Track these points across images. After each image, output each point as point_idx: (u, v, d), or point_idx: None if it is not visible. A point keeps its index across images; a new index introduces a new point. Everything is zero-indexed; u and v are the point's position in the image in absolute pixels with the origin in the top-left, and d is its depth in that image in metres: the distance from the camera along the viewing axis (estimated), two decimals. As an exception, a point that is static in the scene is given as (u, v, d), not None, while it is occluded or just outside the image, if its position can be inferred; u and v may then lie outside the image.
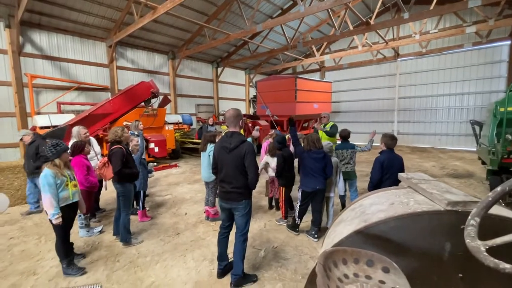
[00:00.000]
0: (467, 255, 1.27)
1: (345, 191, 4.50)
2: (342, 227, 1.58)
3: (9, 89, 8.04)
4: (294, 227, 3.96)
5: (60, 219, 2.80)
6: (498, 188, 0.98)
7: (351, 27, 10.16)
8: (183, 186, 6.71)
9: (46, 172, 2.78)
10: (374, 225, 1.38)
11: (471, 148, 11.63)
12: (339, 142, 4.96)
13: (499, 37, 11.16)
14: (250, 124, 10.66)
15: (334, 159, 4.08)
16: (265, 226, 4.26)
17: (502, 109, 4.54)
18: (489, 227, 0.89)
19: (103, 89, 10.30)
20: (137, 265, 3.19)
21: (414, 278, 1.22)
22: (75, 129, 4.51)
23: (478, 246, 0.82)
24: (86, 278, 2.95)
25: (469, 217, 0.98)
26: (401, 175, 1.78)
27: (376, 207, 1.52)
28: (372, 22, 8.72)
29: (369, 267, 1.13)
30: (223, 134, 3.27)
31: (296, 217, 3.89)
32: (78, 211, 3.25)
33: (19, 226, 4.43)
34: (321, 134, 5.67)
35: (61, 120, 7.63)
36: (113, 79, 10.48)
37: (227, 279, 2.83)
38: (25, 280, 2.94)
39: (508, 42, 11.08)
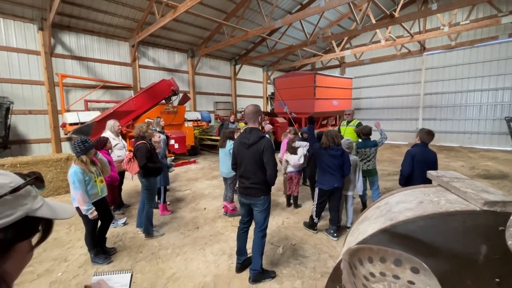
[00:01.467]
0: (505, 259, 1.19)
1: (365, 190, 4.37)
2: (366, 225, 1.53)
3: (42, 88, 8.58)
4: (312, 225, 3.90)
5: (96, 213, 2.95)
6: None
7: (373, 21, 9.79)
8: (202, 182, 6.84)
9: (75, 168, 2.90)
10: (401, 224, 1.32)
11: (505, 147, 10.86)
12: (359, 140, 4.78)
13: (540, 27, 10.26)
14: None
15: (353, 157, 3.97)
16: (283, 223, 4.24)
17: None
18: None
19: (126, 87, 10.70)
20: (159, 257, 3.30)
21: (445, 281, 1.15)
22: (110, 122, 4.74)
23: (523, 248, 0.76)
24: (112, 267, 3.10)
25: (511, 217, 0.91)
26: (430, 173, 1.69)
27: (403, 205, 1.46)
28: (396, 14, 8.34)
29: (397, 266, 1.08)
30: (241, 131, 3.29)
31: (314, 216, 3.83)
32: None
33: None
34: (344, 130, 5.55)
35: (88, 117, 8.06)
36: (136, 77, 10.86)
37: (246, 273, 2.86)
38: (58, 266, 3.15)
39: (550, 32, 10.16)
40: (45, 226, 0.60)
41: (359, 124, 5.36)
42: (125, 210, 4.95)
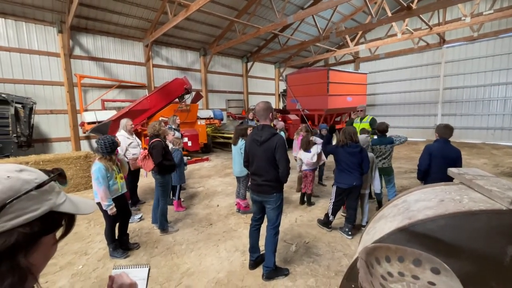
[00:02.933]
0: (535, 261, 1.12)
1: (381, 188, 4.26)
2: (382, 223, 1.49)
3: (62, 88, 8.93)
4: (326, 223, 3.86)
5: (115, 210, 3.07)
6: None
7: (389, 13, 9.45)
8: (215, 179, 6.90)
9: (99, 165, 3.02)
10: (420, 223, 1.27)
11: (532, 143, 10.27)
12: (375, 137, 4.65)
13: None
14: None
15: (370, 155, 3.87)
16: (296, 221, 4.21)
17: None
18: None
19: (141, 86, 10.95)
20: (174, 252, 3.37)
21: (468, 283, 1.10)
22: (123, 121, 4.87)
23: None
24: (129, 261, 3.20)
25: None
26: (451, 170, 1.62)
27: (422, 203, 1.40)
28: (414, 6, 8.02)
29: (416, 266, 1.05)
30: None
31: (330, 214, 3.78)
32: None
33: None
34: (358, 127, 5.43)
35: (105, 116, 8.31)
36: (150, 76, 11.09)
37: (259, 270, 2.86)
38: (79, 259, 3.28)
39: None
40: (68, 220, 0.62)
41: (373, 120, 5.22)
42: (141, 206, 5.08)
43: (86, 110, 9.10)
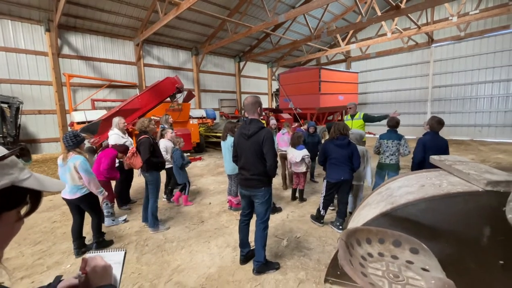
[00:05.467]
0: (510, 240, 1.15)
1: (372, 182, 4.28)
2: (367, 210, 1.51)
3: (50, 88, 8.76)
4: (318, 218, 3.88)
5: (106, 192, 3.18)
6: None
7: (379, 13, 9.59)
8: (207, 178, 6.88)
9: (81, 157, 2.99)
10: (402, 207, 1.30)
11: (517, 140, 10.56)
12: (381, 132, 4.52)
13: (554, 14, 9.88)
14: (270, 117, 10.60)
15: (361, 148, 3.88)
16: (287, 216, 4.23)
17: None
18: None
19: (132, 86, 10.83)
20: (164, 249, 3.34)
21: (447, 264, 1.13)
22: (115, 119, 4.81)
23: (523, 221, 0.73)
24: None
25: (513, 192, 0.88)
26: (433, 157, 1.66)
27: (404, 189, 1.43)
28: (403, 5, 8.17)
29: (396, 247, 1.07)
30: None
31: (321, 208, 3.81)
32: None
33: (61, 211, 4.84)
34: (350, 124, 5.48)
35: (95, 115, 8.18)
36: (141, 76, 10.98)
37: (250, 265, 2.86)
38: (66, 258, 3.22)
39: None
40: (33, 198, 0.60)
41: (365, 116, 5.27)
42: (132, 205, 5.02)
43: (75, 110, 8.95)
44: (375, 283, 0.86)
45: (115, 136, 4.57)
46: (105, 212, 4.08)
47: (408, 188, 1.42)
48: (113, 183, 4.58)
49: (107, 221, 4.12)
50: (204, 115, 11.48)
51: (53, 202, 5.33)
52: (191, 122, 9.96)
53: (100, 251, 0.86)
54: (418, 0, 12.01)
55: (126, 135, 4.93)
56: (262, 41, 14.16)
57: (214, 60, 14.14)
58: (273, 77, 16.67)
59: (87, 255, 0.81)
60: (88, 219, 3.33)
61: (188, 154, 6.53)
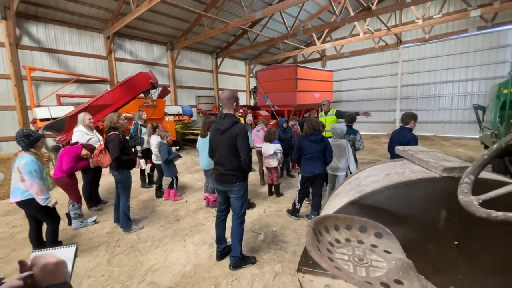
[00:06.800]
0: (463, 222, 1.25)
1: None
2: (337, 200, 1.56)
3: (8, 82, 8.03)
4: (294, 212, 3.96)
5: (54, 201, 2.84)
6: (494, 146, 0.95)
7: (352, 13, 9.93)
8: (184, 176, 6.72)
9: (30, 157, 2.71)
10: (369, 195, 1.35)
11: (474, 135, 11.50)
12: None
13: (505, 21, 10.84)
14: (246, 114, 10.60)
15: (341, 141, 3.99)
16: (264, 211, 4.26)
17: (505, 91, 4.45)
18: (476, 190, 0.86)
19: (102, 81, 10.26)
20: (138, 250, 3.22)
21: (410, 247, 1.19)
22: (80, 115, 4.53)
23: (471, 200, 0.79)
24: (88, 262, 2.99)
25: (464, 176, 0.95)
26: (398, 148, 1.75)
27: (371, 178, 1.49)
28: (374, 7, 8.52)
29: (362, 232, 1.11)
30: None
31: (296, 202, 3.89)
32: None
33: (22, 215, 4.45)
34: (324, 120, 5.62)
35: (61, 112, 7.66)
36: (112, 71, 10.42)
37: (226, 261, 2.85)
38: (28, 264, 2.98)
39: (514, 26, 10.79)
40: None
41: (338, 112, 5.45)
42: (103, 206, 4.77)
43: (38, 106, 8.29)
44: (341, 267, 0.89)
45: (78, 133, 4.32)
46: (71, 214, 3.83)
47: (374, 177, 1.48)
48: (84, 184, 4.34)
49: (74, 223, 3.88)
50: (181, 112, 11.20)
51: (13, 205, 4.88)
52: (166, 119, 9.68)
53: (48, 249, 0.80)
54: (388, 3, 12.61)
55: (94, 132, 4.67)
56: (239, 38, 14.07)
57: (191, 56, 13.80)
58: (251, 74, 16.65)
59: (33, 254, 0.74)
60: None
61: (177, 148, 6.26)
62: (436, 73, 12.90)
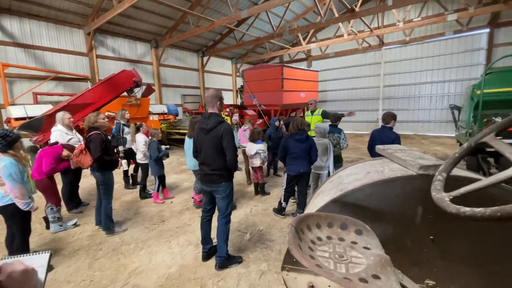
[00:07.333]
0: (437, 217, 1.31)
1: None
2: (320, 198, 1.59)
3: (-21, 78, 7.57)
4: (280, 210, 3.99)
5: (36, 205, 2.71)
6: (464, 145, 1.00)
7: (336, 14, 10.12)
8: (170, 176, 6.59)
9: (9, 160, 2.55)
10: (350, 193, 1.39)
11: (451, 134, 12.05)
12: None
13: (479, 25, 11.45)
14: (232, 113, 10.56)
15: (324, 140, 4.07)
16: (251, 211, 4.27)
17: (478, 92, 4.69)
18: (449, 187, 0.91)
19: (83, 79, 9.88)
20: (121, 252, 3.14)
21: (389, 243, 1.24)
22: (59, 114, 4.33)
23: (442, 197, 0.83)
24: (67, 267, 2.88)
25: (437, 173, 0.99)
26: (378, 146, 1.81)
27: (353, 176, 1.53)
28: (357, 9, 8.72)
29: (343, 230, 1.14)
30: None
31: (282, 201, 3.92)
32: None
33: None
34: (310, 120, 5.70)
35: (38, 111, 7.31)
36: (93, 68, 10.07)
37: (212, 261, 2.84)
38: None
39: (487, 30, 11.40)
40: None
41: (324, 112, 5.54)
42: (84, 208, 4.61)
43: (12, 105, 7.87)
44: (322, 264, 0.91)
45: (57, 133, 4.15)
46: (50, 217, 3.67)
47: (356, 175, 1.52)
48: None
49: (53, 227, 3.72)
50: (166, 111, 10.99)
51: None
52: (151, 118, 9.46)
53: (21, 255, 0.77)
54: (370, 5, 12.94)
55: (74, 131, 4.50)
56: (225, 37, 13.98)
57: (176, 54, 13.57)
58: (238, 74, 16.60)
59: (3, 261, 0.71)
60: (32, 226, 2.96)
61: (168, 146, 6.10)
62: (416, 74, 13.40)
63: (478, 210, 0.68)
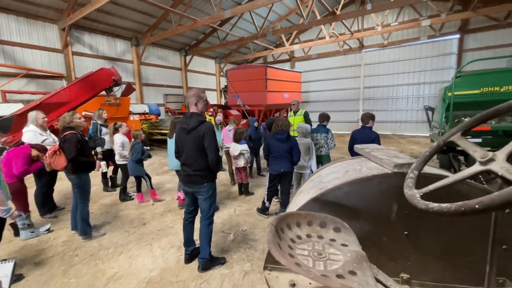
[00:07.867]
0: (411, 213, 1.37)
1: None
2: (301, 197, 1.61)
3: None
4: (263, 210, 4.01)
5: (16, 212, 2.54)
6: (434, 144, 1.05)
7: (318, 17, 10.34)
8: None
9: None
10: (330, 192, 1.42)
11: (426, 133, 12.66)
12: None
13: (450, 31, 12.13)
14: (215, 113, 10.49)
15: (306, 140, 4.13)
16: (235, 211, 4.26)
17: (450, 94, 4.96)
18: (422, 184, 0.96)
19: (58, 76, 9.40)
20: (99, 258, 3.02)
21: (366, 240, 1.28)
22: (32, 114, 4.07)
23: (414, 193, 0.88)
24: (40, 275, 2.72)
25: (409, 171, 1.04)
26: (356, 146, 1.87)
27: (332, 175, 1.57)
28: (338, 12, 8.95)
29: (322, 228, 1.16)
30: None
31: (265, 200, 3.94)
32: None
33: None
34: (293, 120, 5.76)
35: (7, 110, 6.87)
36: (69, 65, 9.61)
37: (195, 263, 2.79)
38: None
39: (457, 36, 12.11)
40: None
41: (306, 113, 5.62)
42: (59, 213, 4.38)
43: (-22, 103, 7.34)
44: (301, 262, 0.92)
45: (30, 134, 3.91)
46: (19, 224, 3.44)
47: (335, 174, 1.56)
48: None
49: (24, 234, 3.50)
50: (147, 110, 10.71)
51: None
52: (131, 118, 9.19)
53: None
54: (351, 9, 13.33)
55: (48, 132, 4.27)
56: (209, 36, 13.84)
57: (158, 53, 13.25)
58: (221, 73, 16.49)
59: None
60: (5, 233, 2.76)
61: (149, 148, 5.90)
62: (393, 76, 13.97)
63: (445, 205, 0.72)
